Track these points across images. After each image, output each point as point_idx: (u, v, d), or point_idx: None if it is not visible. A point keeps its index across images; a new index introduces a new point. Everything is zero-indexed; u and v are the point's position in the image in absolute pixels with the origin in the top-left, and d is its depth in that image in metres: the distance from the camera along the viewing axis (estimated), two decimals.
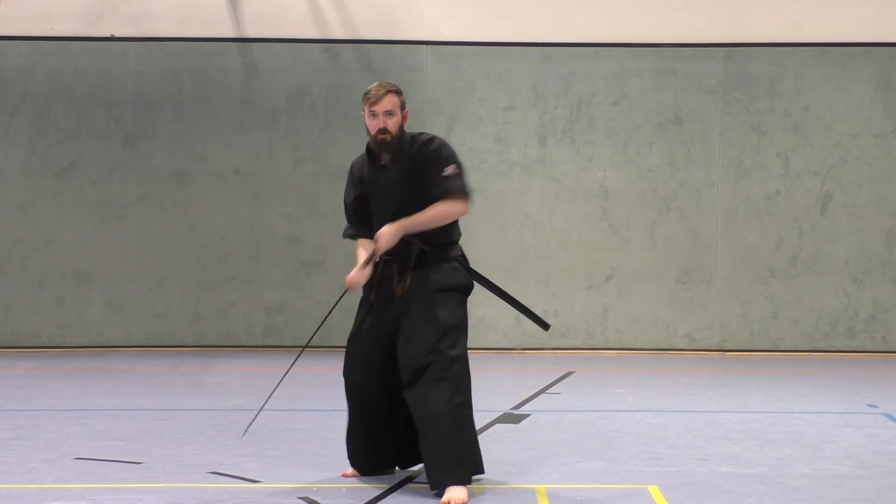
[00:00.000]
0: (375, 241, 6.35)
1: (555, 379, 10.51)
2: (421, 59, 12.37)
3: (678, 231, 12.41)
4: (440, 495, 6.19)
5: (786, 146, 12.38)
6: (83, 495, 6.33)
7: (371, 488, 6.49)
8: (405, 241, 6.40)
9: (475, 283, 6.63)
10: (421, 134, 6.52)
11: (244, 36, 12.41)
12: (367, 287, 6.57)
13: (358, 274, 6.41)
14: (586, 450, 7.54)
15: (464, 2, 12.45)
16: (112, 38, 12.35)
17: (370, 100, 6.38)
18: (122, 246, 12.37)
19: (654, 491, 6.49)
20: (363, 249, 6.55)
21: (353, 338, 6.75)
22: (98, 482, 6.63)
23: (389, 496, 6.36)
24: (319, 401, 9.54)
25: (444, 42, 12.39)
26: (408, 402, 6.38)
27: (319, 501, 6.23)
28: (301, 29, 12.41)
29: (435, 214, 6.32)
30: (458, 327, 6.36)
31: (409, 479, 6.69)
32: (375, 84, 6.48)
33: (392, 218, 6.36)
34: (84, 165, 12.35)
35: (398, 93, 6.40)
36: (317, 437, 7.90)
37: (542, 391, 9.78)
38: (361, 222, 6.68)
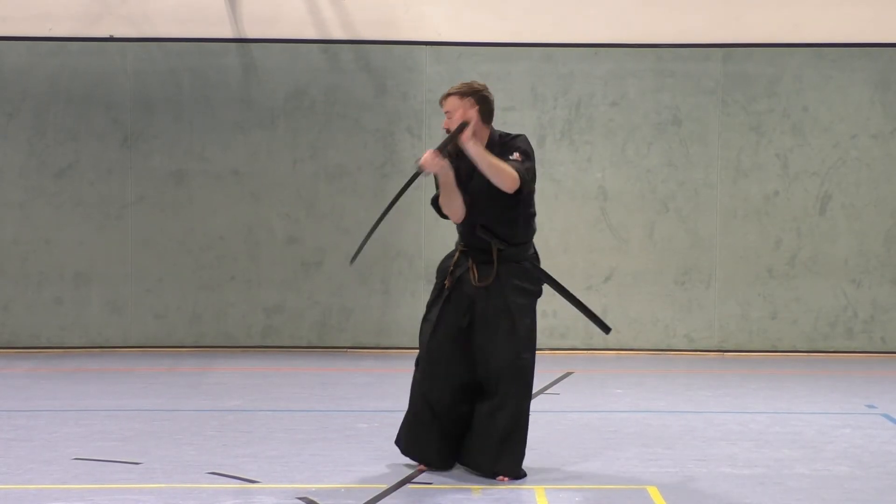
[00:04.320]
0: (460, 137, 6.67)
1: (554, 379, 10.51)
2: (420, 60, 12.37)
3: (677, 231, 12.41)
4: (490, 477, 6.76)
5: (784, 147, 12.38)
6: (82, 496, 6.33)
7: (370, 488, 6.49)
8: (483, 238, 6.83)
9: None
10: (505, 133, 7.00)
11: (243, 36, 12.40)
12: (442, 275, 6.93)
13: (433, 155, 6.66)
14: (585, 450, 7.55)
15: (463, 2, 12.44)
16: (111, 39, 12.34)
17: (441, 102, 6.94)
18: (121, 246, 12.37)
19: (652, 491, 6.49)
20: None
21: (429, 326, 6.93)
22: (97, 483, 6.63)
23: (389, 496, 6.36)
24: (318, 402, 9.54)
25: (442, 42, 12.39)
26: (483, 399, 6.83)
27: (318, 502, 6.23)
28: (300, 29, 12.41)
29: (496, 164, 6.67)
30: (534, 339, 6.89)
31: (408, 480, 6.69)
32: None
33: (472, 197, 6.81)
34: (83, 166, 12.35)
35: (461, 94, 6.85)
36: (315, 438, 7.90)
37: (541, 392, 9.78)
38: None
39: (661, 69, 12.36)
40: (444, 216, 6.97)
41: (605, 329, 7.21)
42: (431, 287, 7.09)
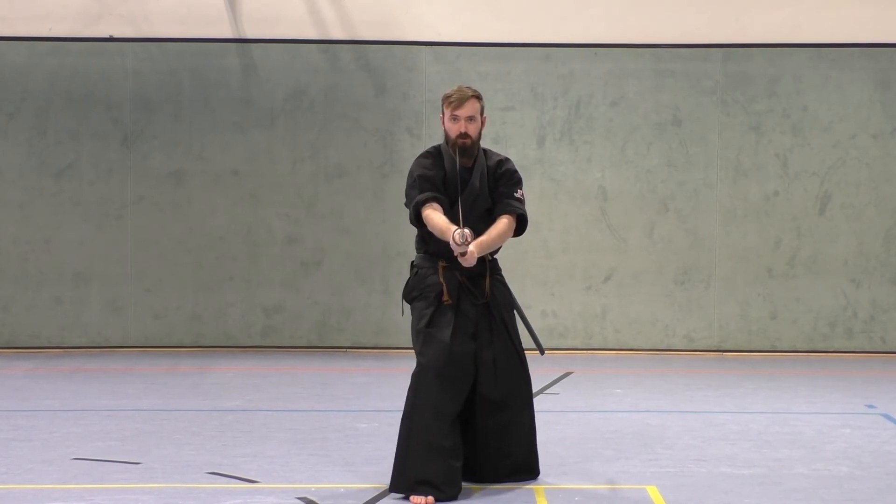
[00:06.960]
0: (465, 254, 6.24)
1: (553, 379, 10.51)
2: (419, 60, 12.37)
3: (677, 231, 12.41)
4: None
5: (784, 147, 12.38)
6: (81, 496, 6.33)
7: (370, 488, 6.49)
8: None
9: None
10: (491, 151, 6.74)
11: (242, 36, 12.41)
12: (428, 291, 6.50)
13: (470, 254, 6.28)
14: (585, 450, 7.55)
15: (462, 2, 12.45)
16: (110, 39, 12.34)
17: (452, 104, 6.46)
18: (121, 246, 12.37)
19: (652, 491, 6.49)
20: (443, 216, 6.37)
21: (437, 342, 6.41)
22: (96, 482, 6.63)
23: (388, 496, 6.36)
24: (318, 401, 9.54)
25: (442, 42, 12.39)
26: (487, 413, 6.52)
27: (318, 502, 6.23)
28: (299, 29, 12.41)
29: (501, 232, 6.49)
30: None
31: None
32: (457, 87, 6.55)
33: (478, 218, 6.49)
34: (82, 166, 12.35)
35: (479, 98, 6.52)
36: (315, 438, 7.89)
37: (541, 391, 9.78)
38: (441, 192, 6.51)
39: (660, 69, 12.36)
40: (419, 225, 6.48)
41: (541, 350, 6.78)
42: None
